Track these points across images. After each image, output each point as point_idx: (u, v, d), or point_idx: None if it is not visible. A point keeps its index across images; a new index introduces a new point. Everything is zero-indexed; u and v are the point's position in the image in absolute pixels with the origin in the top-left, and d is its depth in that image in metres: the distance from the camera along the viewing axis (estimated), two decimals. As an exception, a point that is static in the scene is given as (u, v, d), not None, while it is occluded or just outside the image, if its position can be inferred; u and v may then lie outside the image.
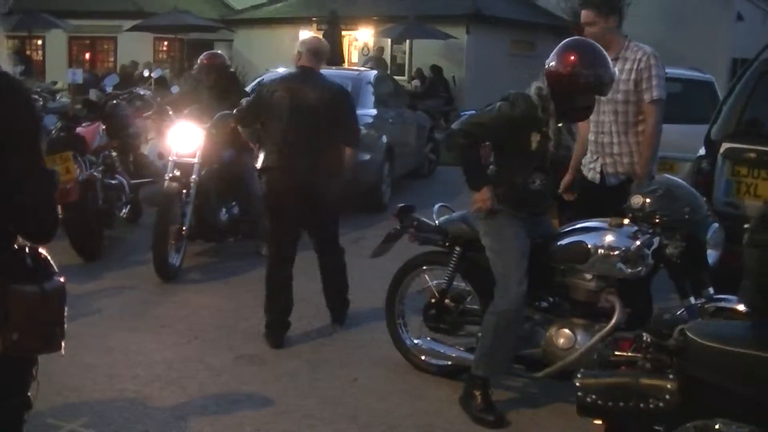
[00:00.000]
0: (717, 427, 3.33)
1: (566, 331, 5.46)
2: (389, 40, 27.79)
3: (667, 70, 12.18)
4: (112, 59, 32.36)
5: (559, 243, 5.54)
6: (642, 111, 6.30)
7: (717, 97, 11.32)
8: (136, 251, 9.41)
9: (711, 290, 5.18)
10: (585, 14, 6.43)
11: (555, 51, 5.39)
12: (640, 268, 5.16)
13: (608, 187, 6.42)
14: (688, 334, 3.49)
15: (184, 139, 8.87)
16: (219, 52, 10.76)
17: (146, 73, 16.15)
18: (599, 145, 6.45)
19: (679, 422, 3.45)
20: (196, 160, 8.80)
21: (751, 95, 7.62)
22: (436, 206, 6.29)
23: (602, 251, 5.25)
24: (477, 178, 5.61)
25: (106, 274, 8.70)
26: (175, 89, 14.81)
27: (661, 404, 3.50)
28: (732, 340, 3.43)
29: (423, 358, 6.27)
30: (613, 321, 5.17)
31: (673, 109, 11.89)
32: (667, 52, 20.50)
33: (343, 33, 25.47)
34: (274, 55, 23.53)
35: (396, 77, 20.12)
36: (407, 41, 28.11)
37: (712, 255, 5.17)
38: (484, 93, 21.52)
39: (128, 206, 10.11)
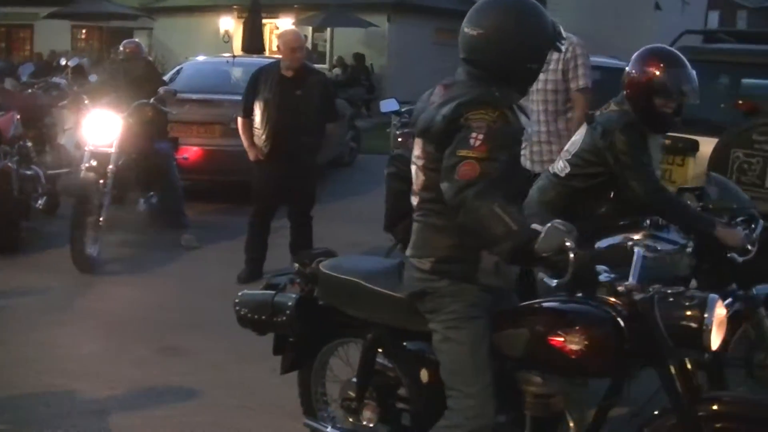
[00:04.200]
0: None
1: None
2: (310, 28, 27.69)
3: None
4: (28, 47, 31.74)
5: (602, 245, 5.35)
6: (570, 99, 6.38)
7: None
8: (54, 243, 9.18)
9: (734, 285, 5.10)
10: None
11: (635, 59, 5.07)
12: (750, 255, 4.90)
13: (536, 174, 6.45)
14: (319, 265, 4.16)
15: (100, 129, 8.69)
16: (137, 40, 10.59)
17: (63, 62, 15.88)
18: (528, 133, 6.47)
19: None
20: (113, 149, 8.64)
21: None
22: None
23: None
24: (704, 218, 4.93)
25: (25, 266, 8.53)
26: (93, 78, 14.57)
27: (284, 318, 4.19)
28: (346, 271, 4.06)
29: None
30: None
31: (597, 97, 12.05)
32: (589, 40, 20.70)
33: (264, 21, 25.28)
34: (195, 43, 23.35)
35: (318, 65, 20.07)
36: (328, 29, 28.07)
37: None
38: (406, 81, 21.68)
39: (45, 197, 9.88)
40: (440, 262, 3.58)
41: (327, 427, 4.41)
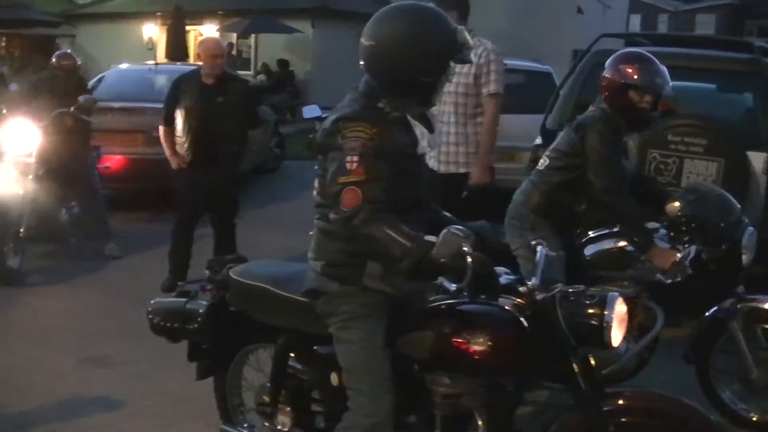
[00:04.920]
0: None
1: None
2: (235, 35, 27.60)
3: (508, 62, 12.50)
4: (-54, 56, 31.17)
5: (592, 251, 5.34)
6: (480, 104, 6.49)
7: (555, 88, 11.65)
8: (-26, 255, 9.08)
9: (742, 288, 5.27)
10: None
11: (609, 64, 5.26)
12: (678, 278, 5.00)
13: (441, 176, 6.54)
14: (229, 271, 4.19)
15: (19, 139, 8.59)
16: (69, 52, 10.42)
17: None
18: (438, 134, 6.57)
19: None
20: (33, 159, 8.55)
21: (585, 85, 7.89)
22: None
23: (640, 257, 5.10)
24: (644, 233, 5.10)
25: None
26: (14, 87, 14.37)
27: (196, 325, 4.21)
28: (254, 277, 4.10)
29: None
30: (658, 324, 5.12)
31: (515, 100, 12.20)
32: (513, 44, 21.02)
33: (188, 28, 25.21)
34: (119, 50, 23.14)
35: (242, 72, 20.02)
36: (253, 36, 28.00)
37: (745, 258, 5.17)
38: (331, 87, 21.66)
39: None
40: (330, 266, 3.64)
41: None
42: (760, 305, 5.23)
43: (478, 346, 3.38)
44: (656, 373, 5.53)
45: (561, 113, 8.00)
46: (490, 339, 3.38)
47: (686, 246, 5.04)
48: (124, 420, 5.45)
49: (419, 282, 3.53)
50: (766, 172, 7.13)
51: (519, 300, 3.48)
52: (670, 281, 5.02)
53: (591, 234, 5.37)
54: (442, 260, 3.19)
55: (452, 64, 3.53)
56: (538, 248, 3.63)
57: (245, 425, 4.54)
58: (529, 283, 3.47)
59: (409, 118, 3.61)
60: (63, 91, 9.03)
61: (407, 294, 3.66)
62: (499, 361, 3.45)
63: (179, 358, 6.04)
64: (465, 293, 3.36)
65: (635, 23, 37.70)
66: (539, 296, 3.43)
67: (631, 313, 5.08)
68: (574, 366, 3.39)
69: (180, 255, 8.11)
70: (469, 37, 3.54)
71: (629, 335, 5.09)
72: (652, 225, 5.23)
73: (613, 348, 3.41)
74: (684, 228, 5.12)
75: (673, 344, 5.62)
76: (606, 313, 3.34)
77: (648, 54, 5.35)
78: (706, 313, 5.36)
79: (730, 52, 8.37)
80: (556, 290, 3.44)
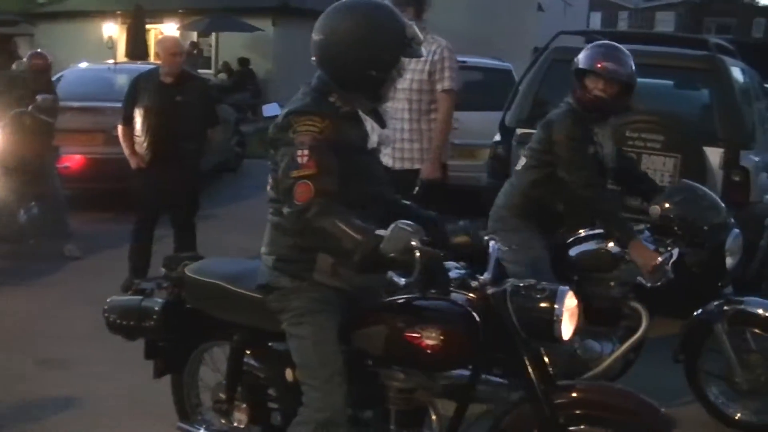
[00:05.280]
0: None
1: (591, 342, 5.19)
2: (195, 34, 27.50)
3: (468, 60, 12.64)
4: None
5: (577, 252, 5.33)
6: (434, 100, 6.51)
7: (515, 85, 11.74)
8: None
9: (730, 288, 5.28)
10: None
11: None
12: (659, 283, 4.99)
13: (395, 172, 6.55)
14: (185, 269, 4.18)
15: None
16: (41, 51, 10.34)
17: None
18: (391, 130, 6.59)
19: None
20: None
21: (543, 81, 7.95)
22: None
23: (626, 258, 5.05)
24: (625, 229, 5.08)
25: None
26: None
27: (151, 323, 4.23)
28: (209, 274, 4.10)
29: None
30: (643, 326, 5.05)
31: (474, 97, 12.30)
32: (473, 41, 21.06)
33: (148, 27, 25.07)
34: (79, 50, 22.92)
35: (203, 71, 19.95)
36: (214, 34, 27.90)
37: (729, 261, 5.17)
38: (292, 85, 21.51)
39: None
40: (281, 260, 3.67)
41: (200, 430, 4.45)
42: (747, 308, 5.23)
43: (431, 340, 3.39)
44: (646, 373, 5.52)
45: (519, 110, 8.05)
46: (442, 333, 3.40)
47: (669, 249, 5.02)
48: (84, 420, 5.44)
49: (372, 277, 3.53)
50: (722, 167, 7.20)
51: (471, 294, 3.51)
52: (650, 285, 5.01)
53: (581, 233, 5.36)
54: (392, 255, 3.20)
55: (402, 59, 3.55)
56: (491, 243, 3.66)
57: (203, 423, 4.54)
58: (481, 277, 3.50)
59: (360, 113, 3.61)
60: (33, 91, 8.99)
61: (360, 289, 3.68)
62: (451, 356, 3.47)
63: (136, 356, 6.05)
64: (416, 288, 3.37)
65: (596, 21, 37.95)
66: (490, 290, 3.46)
67: (617, 315, 5.13)
68: (525, 359, 3.41)
69: (140, 255, 8.07)
70: (419, 32, 3.56)
71: (615, 336, 5.17)
72: (635, 226, 5.19)
73: (564, 342, 3.43)
74: (667, 230, 5.12)
75: (664, 344, 5.61)
76: (556, 306, 3.37)
77: (607, 42, 5.38)
78: (694, 314, 5.37)
79: (687, 49, 8.46)
80: (507, 284, 3.48)
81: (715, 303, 5.26)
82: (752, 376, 5.26)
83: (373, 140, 3.63)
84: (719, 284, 5.27)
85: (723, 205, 5.37)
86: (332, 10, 3.56)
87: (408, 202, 4.01)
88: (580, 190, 5.08)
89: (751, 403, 5.42)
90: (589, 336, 5.18)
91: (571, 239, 5.38)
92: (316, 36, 3.56)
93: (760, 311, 5.21)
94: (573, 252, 5.31)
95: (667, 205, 5.17)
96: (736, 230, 5.25)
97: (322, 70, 3.60)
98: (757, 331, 5.27)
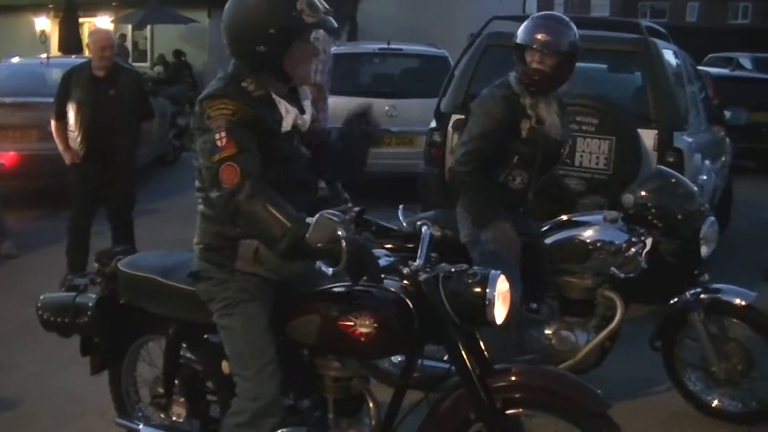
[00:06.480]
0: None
1: (565, 332, 5.15)
2: (130, 27, 27.22)
3: (403, 47, 12.69)
4: None
5: (552, 241, 5.27)
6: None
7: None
8: None
9: (707, 277, 5.23)
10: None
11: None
12: (632, 273, 5.00)
13: None
14: (118, 263, 4.16)
15: None
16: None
17: None
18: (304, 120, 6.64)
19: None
20: None
21: (477, 67, 7.98)
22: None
23: (601, 248, 5.04)
24: (487, 210, 5.02)
25: None
26: None
27: (85, 319, 4.20)
28: (142, 268, 4.08)
29: None
30: (618, 316, 5.01)
31: (411, 85, 12.34)
32: (408, 29, 20.99)
33: (82, 20, 24.74)
34: (11, 44, 22.62)
35: (138, 64, 19.75)
36: (148, 27, 27.63)
37: (704, 249, 5.14)
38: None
39: None
40: (206, 249, 3.70)
41: (139, 426, 4.40)
42: (723, 297, 5.19)
43: (365, 328, 3.40)
44: (624, 361, 5.61)
45: (455, 96, 8.07)
46: (375, 321, 3.40)
47: (642, 238, 5.00)
48: (24, 420, 5.38)
49: (301, 264, 3.53)
50: (656, 148, 7.28)
51: (403, 281, 3.51)
52: (623, 275, 5.00)
53: (551, 223, 5.34)
54: (318, 245, 3.21)
55: (315, 32, 3.60)
56: (423, 228, 3.67)
57: (142, 418, 4.51)
58: (413, 264, 3.50)
59: (273, 96, 3.59)
60: None
61: (291, 277, 3.68)
62: (385, 343, 3.48)
63: (74, 354, 6.00)
64: (346, 277, 3.37)
65: (532, 6, 38.01)
66: (422, 276, 3.46)
67: (591, 305, 5.13)
68: (459, 344, 3.42)
69: (77, 251, 7.98)
70: (318, 2, 3.53)
71: (590, 326, 5.15)
72: (610, 214, 5.14)
73: (497, 325, 3.44)
74: (641, 219, 5.09)
75: (641, 332, 5.62)
76: (488, 290, 3.37)
77: (550, 13, 5.33)
78: (671, 302, 5.34)
79: (620, 33, 8.53)
80: (439, 270, 3.49)
81: (691, 292, 5.21)
82: (729, 364, 5.24)
83: (287, 123, 3.61)
84: (695, 272, 5.24)
85: (696, 190, 5.36)
86: None
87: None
88: (456, 168, 5.06)
89: (729, 391, 5.40)
90: (563, 327, 5.18)
91: (546, 227, 5.37)
92: (222, 24, 3.65)
93: (737, 300, 5.18)
94: (548, 240, 5.28)
95: (641, 194, 5.14)
96: (711, 218, 5.24)
97: (232, 56, 3.66)
98: (734, 319, 5.27)
